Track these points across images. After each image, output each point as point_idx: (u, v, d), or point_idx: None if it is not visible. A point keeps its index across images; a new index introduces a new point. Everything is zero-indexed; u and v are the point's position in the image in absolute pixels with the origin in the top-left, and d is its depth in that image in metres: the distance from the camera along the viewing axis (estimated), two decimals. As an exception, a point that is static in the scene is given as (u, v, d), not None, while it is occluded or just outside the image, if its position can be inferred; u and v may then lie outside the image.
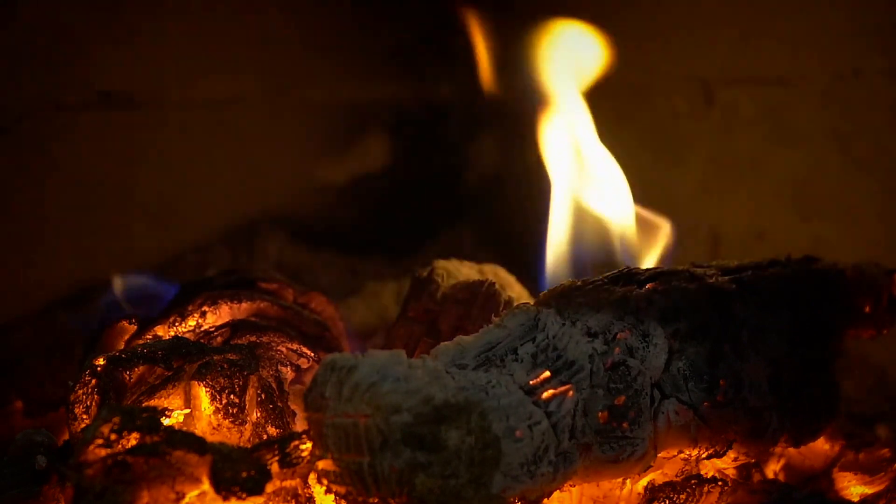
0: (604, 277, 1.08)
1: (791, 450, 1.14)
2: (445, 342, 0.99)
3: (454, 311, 1.21)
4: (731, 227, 1.79)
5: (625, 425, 0.97)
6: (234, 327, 1.19)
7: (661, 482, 1.06)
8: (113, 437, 0.90)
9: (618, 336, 1.00)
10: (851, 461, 1.18)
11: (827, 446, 1.21)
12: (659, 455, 1.02)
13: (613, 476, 1.01)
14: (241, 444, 1.06)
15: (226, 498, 0.90)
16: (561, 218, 1.33)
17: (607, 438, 0.96)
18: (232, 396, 1.08)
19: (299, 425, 1.09)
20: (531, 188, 2.14)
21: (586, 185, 1.35)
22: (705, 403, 1.00)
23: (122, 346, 1.20)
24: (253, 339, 1.16)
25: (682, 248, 1.37)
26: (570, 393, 0.94)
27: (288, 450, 0.94)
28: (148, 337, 1.17)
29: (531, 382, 0.94)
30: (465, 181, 2.22)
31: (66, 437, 1.12)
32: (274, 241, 1.95)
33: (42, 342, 1.58)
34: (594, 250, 1.32)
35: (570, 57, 1.41)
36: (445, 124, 2.19)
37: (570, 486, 1.00)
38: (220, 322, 1.19)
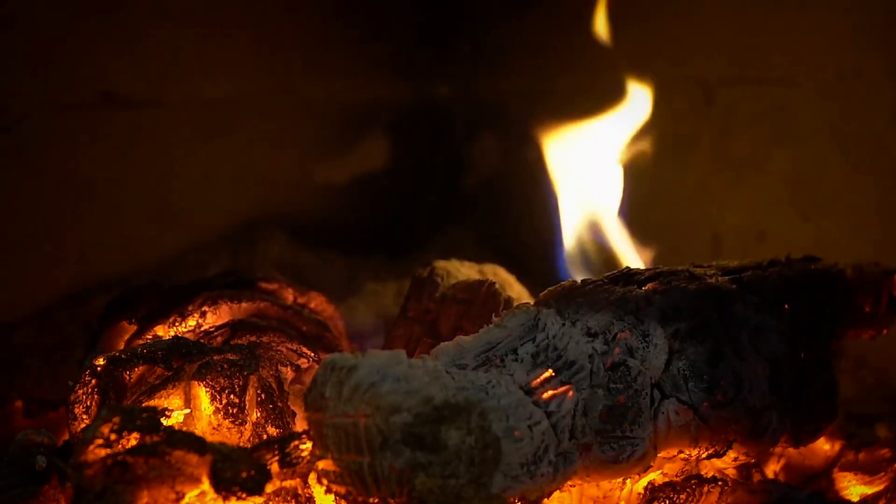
0: (604, 277, 1.08)
1: (791, 450, 1.14)
2: (445, 342, 0.99)
3: (454, 311, 1.21)
4: (731, 227, 1.79)
5: (625, 425, 0.97)
6: (234, 327, 1.19)
7: (661, 482, 1.06)
8: (113, 437, 0.90)
9: (618, 336, 1.00)
10: (851, 461, 1.18)
11: (827, 446, 1.21)
12: (659, 455, 1.02)
13: (613, 476, 1.01)
14: (241, 444, 1.06)
15: (226, 498, 0.90)
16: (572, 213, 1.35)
17: (607, 438, 0.96)
18: (232, 396, 1.08)
19: (299, 425, 1.09)
20: (531, 188, 2.14)
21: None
22: (705, 403, 1.00)
23: (122, 346, 1.20)
24: (253, 339, 1.16)
25: (682, 248, 1.37)
26: (570, 393, 0.94)
27: (288, 450, 0.94)
28: (148, 337, 1.17)
29: (531, 382, 0.94)
30: (465, 181, 2.23)
31: (66, 437, 1.12)
32: (274, 241, 1.95)
33: (42, 342, 1.58)
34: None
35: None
36: (445, 124, 2.20)
37: (570, 486, 1.00)
38: (220, 322, 1.19)
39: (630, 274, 1.08)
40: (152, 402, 1.06)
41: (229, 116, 1.87)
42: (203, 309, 1.19)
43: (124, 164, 1.73)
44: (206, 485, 0.91)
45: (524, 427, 0.90)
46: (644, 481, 1.07)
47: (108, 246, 1.72)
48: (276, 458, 0.94)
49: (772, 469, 1.18)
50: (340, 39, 2.01)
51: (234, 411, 1.07)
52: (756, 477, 1.11)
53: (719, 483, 1.04)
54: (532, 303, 1.06)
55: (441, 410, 0.86)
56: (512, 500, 0.92)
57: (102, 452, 0.90)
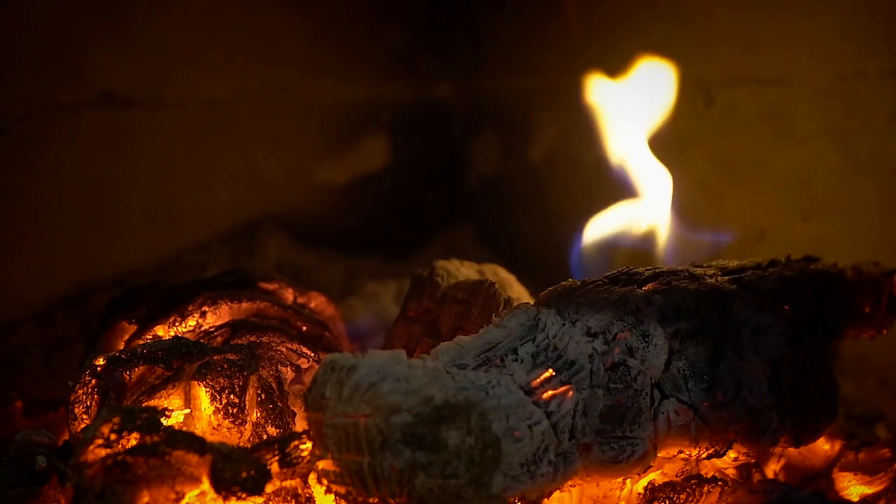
0: (604, 277, 1.08)
1: (791, 450, 1.14)
2: (445, 342, 0.99)
3: (454, 311, 1.21)
4: (731, 227, 1.79)
5: (625, 425, 0.97)
6: (234, 327, 1.19)
7: (661, 482, 1.07)
8: (113, 437, 0.90)
9: (618, 336, 1.00)
10: (851, 461, 1.18)
11: (827, 446, 1.21)
12: (659, 455, 1.02)
13: (613, 476, 1.01)
14: (241, 444, 1.06)
15: (226, 498, 0.90)
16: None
17: (607, 438, 0.96)
18: (232, 396, 1.08)
19: (299, 425, 1.09)
20: (531, 188, 2.14)
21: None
22: (705, 403, 1.00)
23: (122, 346, 1.20)
24: (253, 339, 1.16)
25: (682, 248, 1.37)
26: (570, 393, 0.94)
27: (288, 450, 0.94)
28: (148, 337, 1.17)
29: (531, 382, 0.94)
30: (465, 181, 2.23)
31: (66, 437, 1.12)
32: (274, 241, 1.95)
33: (42, 342, 1.58)
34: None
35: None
36: (445, 124, 2.20)
37: (570, 486, 1.00)
38: (220, 322, 1.19)
39: (630, 274, 1.08)
40: (152, 402, 1.06)
41: (229, 116, 1.87)
42: (203, 309, 1.19)
43: (124, 164, 1.73)
44: (206, 485, 0.91)
45: (524, 427, 0.90)
46: (644, 481, 1.07)
47: (108, 246, 1.72)
48: (276, 458, 0.94)
49: (772, 469, 1.18)
50: (340, 39, 2.01)
51: (234, 411, 1.07)
52: (756, 477, 1.11)
53: (719, 483, 1.04)
54: (532, 303, 1.06)
55: (441, 410, 0.86)
56: (512, 500, 0.92)
57: (102, 452, 0.90)
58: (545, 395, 0.94)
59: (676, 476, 1.07)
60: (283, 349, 1.16)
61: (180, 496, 0.90)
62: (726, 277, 1.07)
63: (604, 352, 0.98)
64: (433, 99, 2.16)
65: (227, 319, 1.20)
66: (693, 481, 1.05)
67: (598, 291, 1.04)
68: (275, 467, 0.94)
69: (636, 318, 1.01)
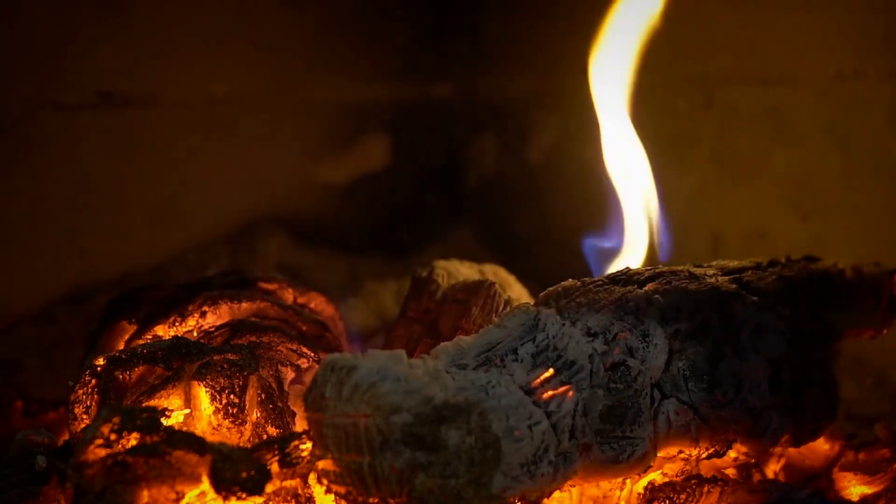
0: (604, 277, 1.08)
1: (791, 450, 1.14)
2: (445, 342, 0.99)
3: (454, 311, 1.21)
4: (731, 227, 1.79)
5: (625, 425, 0.97)
6: (234, 327, 1.19)
7: (661, 482, 1.07)
8: (113, 437, 0.90)
9: (618, 336, 1.00)
10: (851, 461, 1.18)
11: (827, 446, 1.21)
12: (659, 455, 1.02)
13: (613, 476, 1.01)
14: (241, 444, 1.06)
15: (226, 498, 0.90)
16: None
17: (607, 438, 0.96)
18: (232, 396, 1.08)
19: (299, 425, 1.09)
20: (531, 188, 2.14)
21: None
22: (705, 403, 1.00)
23: (122, 346, 1.20)
24: (253, 339, 1.16)
25: (682, 248, 1.37)
26: (570, 393, 0.94)
27: (288, 450, 0.94)
28: (148, 337, 1.17)
29: (531, 382, 0.94)
30: (465, 181, 2.23)
31: (66, 437, 1.12)
32: (274, 241, 1.95)
33: (42, 341, 1.58)
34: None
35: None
36: (445, 124, 2.20)
37: (570, 486, 1.00)
38: (220, 322, 1.19)
39: (630, 274, 1.08)
40: (152, 402, 1.06)
41: (229, 116, 1.87)
42: (203, 309, 1.19)
43: (124, 164, 1.73)
44: (206, 485, 0.91)
45: (524, 427, 0.90)
46: (644, 481, 1.07)
47: (109, 246, 1.72)
48: (276, 458, 0.94)
49: (772, 469, 1.18)
50: (340, 39, 2.01)
51: (234, 411, 1.07)
52: (756, 477, 1.11)
53: (719, 483, 1.04)
54: (532, 303, 1.06)
55: (441, 410, 0.86)
56: (512, 500, 0.92)
57: (102, 452, 0.90)
58: (545, 395, 0.94)
59: (676, 476, 1.07)
60: (283, 349, 1.16)
61: (180, 496, 0.90)
62: (726, 277, 1.07)
63: (604, 352, 0.98)
64: (433, 99, 2.16)
65: (227, 319, 1.20)
66: (693, 481, 1.05)
67: (598, 291, 1.04)
68: (275, 467, 0.94)
69: (636, 318, 1.01)
